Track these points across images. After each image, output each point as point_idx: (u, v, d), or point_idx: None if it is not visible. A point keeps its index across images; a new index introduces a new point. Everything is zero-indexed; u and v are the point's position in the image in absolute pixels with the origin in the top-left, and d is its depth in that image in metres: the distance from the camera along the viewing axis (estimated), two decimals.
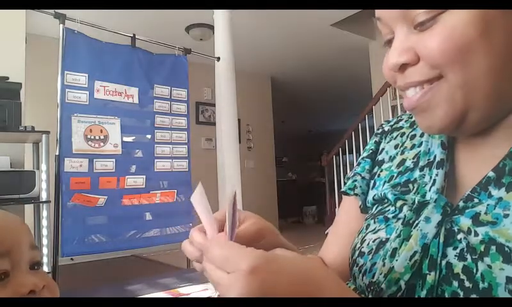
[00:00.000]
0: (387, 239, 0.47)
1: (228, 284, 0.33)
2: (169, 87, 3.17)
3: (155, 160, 3.02)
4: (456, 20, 0.39)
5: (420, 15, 0.40)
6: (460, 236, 0.41)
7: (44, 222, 2.37)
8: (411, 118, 0.58)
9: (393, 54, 0.43)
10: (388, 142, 0.59)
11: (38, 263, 0.48)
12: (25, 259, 0.46)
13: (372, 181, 0.58)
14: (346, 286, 0.38)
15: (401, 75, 0.44)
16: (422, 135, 0.54)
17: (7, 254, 0.44)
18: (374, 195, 0.54)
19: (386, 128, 0.62)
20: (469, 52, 0.39)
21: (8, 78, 2.55)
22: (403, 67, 0.43)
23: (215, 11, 3.57)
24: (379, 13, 0.45)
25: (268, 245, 0.51)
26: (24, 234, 0.48)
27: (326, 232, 3.89)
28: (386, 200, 0.52)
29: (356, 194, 0.59)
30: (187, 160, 3.21)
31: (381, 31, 0.46)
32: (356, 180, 0.59)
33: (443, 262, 0.41)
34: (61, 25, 2.63)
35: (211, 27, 4.08)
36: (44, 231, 2.36)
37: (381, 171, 0.57)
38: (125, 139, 2.88)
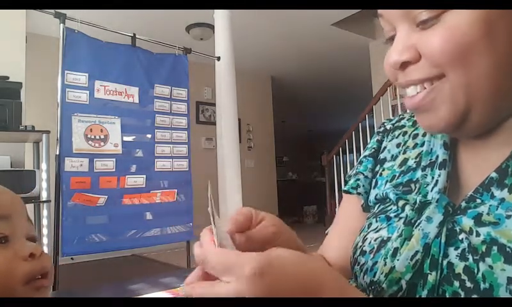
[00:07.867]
0: (389, 238, 0.47)
1: (233, 290, 0.31)
2: (170, 87, 3.16)
3: (156, 159, 3.01)
4: (458, 19, 0.39)
5: (423, 13, 0.40)
6: (462, 236, 0.41)
7: (44, 222, 2.37)
8: (413, 116, 0.58)
9: (394, 52, 0.43)
10: (390, 140, 0.59)
11: (34, 238, 0.49)
12: (22, 229, 0.47)
13: (374, 180, 0.58)
14: (348, 284, 0.38)
15: (402, 73, 0.44)
16: (424, 135, 0.54)
17: (6, 218, 0.45)
18: (376, 194, 0.54)
19: (388, 127, 0.61)
20: (471, 53, 0.38)
21: (8, 77, 2.55)
22: (404, 65, 0.43)
23: (215, 11, 3.57)
24: (381, 10, 0.45)
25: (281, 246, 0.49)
26: (20, 203, 0.49)
27: (326, 232, 3.90)
28: (388, 199, 0.52)
29: (359, 193, 0.58)
30: (187, 160, 3.21)
31: (383, 27, 0.46)
32: (359, 179, 0.59)
33: (445, 262, 0.41)
34: (61, 24, 2.62)
35: (211, 27, 4.08)
36: (44, 231, 2.36)
37: (383, 170, 0.57)
38: (126, 138, 2.88)
